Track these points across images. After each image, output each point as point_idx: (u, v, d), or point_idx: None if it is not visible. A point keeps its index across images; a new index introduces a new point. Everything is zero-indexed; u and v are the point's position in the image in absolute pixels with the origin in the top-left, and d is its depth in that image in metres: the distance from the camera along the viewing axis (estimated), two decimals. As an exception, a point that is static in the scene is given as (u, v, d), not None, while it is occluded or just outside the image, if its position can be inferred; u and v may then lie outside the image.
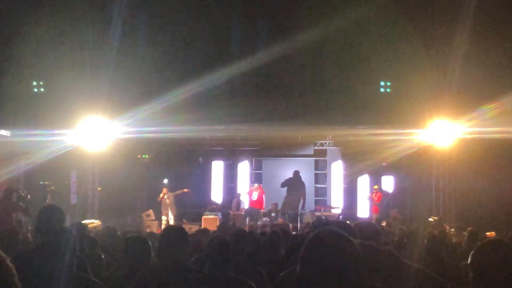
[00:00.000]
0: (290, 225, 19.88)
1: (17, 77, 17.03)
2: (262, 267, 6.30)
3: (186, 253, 5.10)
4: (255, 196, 21.88)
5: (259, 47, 18.24)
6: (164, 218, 21.56)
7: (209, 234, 10.32)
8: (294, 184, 22.82)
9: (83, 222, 10.66)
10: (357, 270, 2.79)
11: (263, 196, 22.23)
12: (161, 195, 21.77)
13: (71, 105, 16.35)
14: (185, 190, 22.08)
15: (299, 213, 22.02)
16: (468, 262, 3.46)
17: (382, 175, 24.04)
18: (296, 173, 22.92)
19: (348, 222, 6.78)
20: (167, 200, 21.70)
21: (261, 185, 22.82)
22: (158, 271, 4.73)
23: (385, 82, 18.64)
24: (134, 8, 18.22)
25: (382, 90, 18.72)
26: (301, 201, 22.73)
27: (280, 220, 20.85)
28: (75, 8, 17.52)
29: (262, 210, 22.07)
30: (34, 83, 17.86)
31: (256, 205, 21.83)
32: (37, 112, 16.61)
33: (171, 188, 22.46)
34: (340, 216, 22.20)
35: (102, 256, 6.37)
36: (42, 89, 17.91)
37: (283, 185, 22.66)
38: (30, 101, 17.25)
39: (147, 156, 24.53)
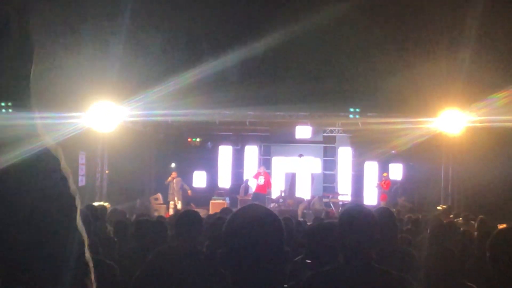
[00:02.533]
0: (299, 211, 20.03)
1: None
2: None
3: (200, 238, 5.09)
4: (261, 180, 21.84)
5: (269, 31, 18.16)
6: (171, 202, 21.61)
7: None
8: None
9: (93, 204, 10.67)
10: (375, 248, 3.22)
11: (270, 180, 22.24)
12: (169, 178, 21.82)
13: (81, 89, 16.38)
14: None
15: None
16: (487, 245, 3.47)
17: (390, 163, 24.03)
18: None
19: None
20: (175, 185, 21.75)
21: (266, 170, 22.84)
22: (170, 254, 4.72)
23: (354, 108, 18.93)
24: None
25: (351, 116, 19.02)
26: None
27: (290, 201, 20.97)
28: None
29: (267, 196, 22.13)
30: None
31: (262, 189, 21.80)
32: (46, 95, 16.64)
33: (179, 172, 22.53)
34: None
35: (115, 239, 6.39)
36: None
37: None
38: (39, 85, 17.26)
39: (197, 140, 24.69)
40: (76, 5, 17.44)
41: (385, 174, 22.71)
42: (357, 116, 19.10)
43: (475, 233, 9.07)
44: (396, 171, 23.98)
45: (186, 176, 23.28)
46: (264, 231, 2.15)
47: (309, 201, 21.57)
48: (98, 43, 17.57)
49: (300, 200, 21.73)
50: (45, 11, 16.53)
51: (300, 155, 23.36)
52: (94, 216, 6.04)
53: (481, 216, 10.52)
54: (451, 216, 15.24)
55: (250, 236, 2.13)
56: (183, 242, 4.74)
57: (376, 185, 23.05)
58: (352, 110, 19.03)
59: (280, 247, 2.16)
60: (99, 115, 17.14)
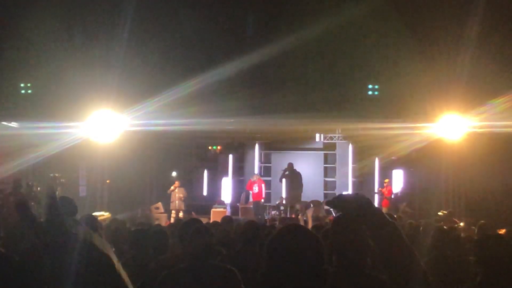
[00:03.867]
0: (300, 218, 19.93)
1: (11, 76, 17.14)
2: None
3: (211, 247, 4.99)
4: (256, 188, 21.80)
5: (268, 40, 18.17)
6: (173, 211, 21.56)
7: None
8: (291, 176, 22.73)
9: (93, 214, 10.66)
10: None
11: (263, 186, 22.15)
12: (172, 187, 21.79)
13: (80, 98, 16.39)
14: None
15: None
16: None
17: (391, 169, 23.98)
18: (291, 165, 22.75)
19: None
20: (177, 194, 21.71)
21: (259, 177, 22.76)
22: (185, 270, 4.61)
23: (373, 85, 18.78)
24: (142, 2, 18.19)
25: (370, 93, 18.86)
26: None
27: (298, 206, 20.81)
28: (85, 4, 17.53)
29: (264, 202, 22.05)
30: (28, 85, 17.98)
31: (258, 197, 21.75)
32: (45, 106, 16.64)
33: (180, 181, 22.51)
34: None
35: (113, 249, 6.34)
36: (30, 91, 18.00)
37: (280, 179, 22.46)
38: (37, 96, 17.37)
39: (217, 148, 24.66)
40: (75, 14, 17.49)
41: (386, 180, 22.65)
42: (376, 93, 18.97)
43: (475, 238, 9.05)
44: (397, 177, 23.93)
45: (187, 182, 23.32)
46: (304, 252, 2.17)
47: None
48: (98, 51, 17.59)
49: (307, 205, 21.52)
50: (46, 20, 16.60)
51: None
52: (93, 226, 6.02)
53: (481, 221, 10.50)
54: (457, 221, 15.22)
55: (291, 257, 2.16)
56: (189, 251, 4.69)
57: (377, 191, 22.97)
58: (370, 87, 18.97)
59: (320, 267, 2.18)
60: (99, 125, 17.14)
